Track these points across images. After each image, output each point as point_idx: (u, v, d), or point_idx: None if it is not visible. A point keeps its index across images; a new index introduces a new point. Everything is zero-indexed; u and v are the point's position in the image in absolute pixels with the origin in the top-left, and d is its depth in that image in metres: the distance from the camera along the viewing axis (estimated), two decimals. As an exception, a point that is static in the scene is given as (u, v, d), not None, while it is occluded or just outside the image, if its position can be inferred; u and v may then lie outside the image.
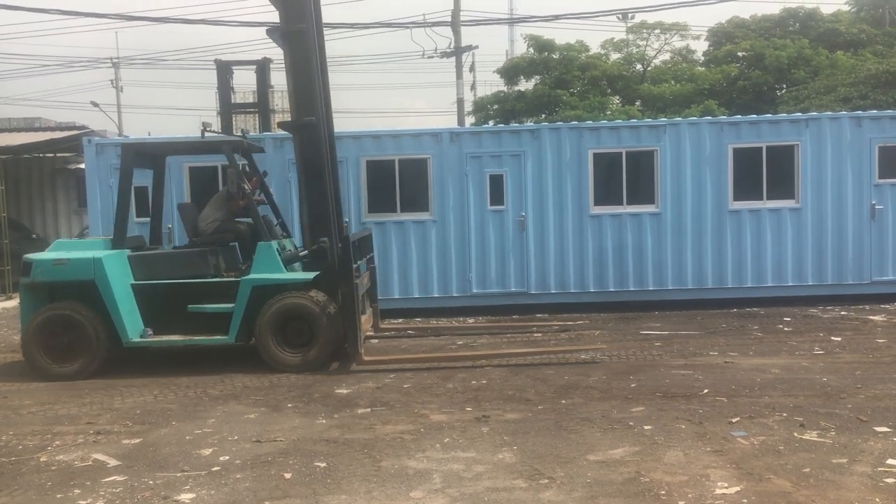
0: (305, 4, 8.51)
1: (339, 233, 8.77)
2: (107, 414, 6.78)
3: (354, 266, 8.42)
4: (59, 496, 4.88)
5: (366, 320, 9.20)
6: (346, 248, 8.19)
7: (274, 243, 8.47)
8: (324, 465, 5.25)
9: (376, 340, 9.65)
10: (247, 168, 9.19)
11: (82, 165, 13.35)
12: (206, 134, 8.90)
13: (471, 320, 11.30)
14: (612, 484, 4.74)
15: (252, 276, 8.32)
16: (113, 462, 5.48)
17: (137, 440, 5.97)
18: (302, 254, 8.77)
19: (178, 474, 5.17)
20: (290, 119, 8.74)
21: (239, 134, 9.35)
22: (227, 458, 5.47)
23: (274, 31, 8.73)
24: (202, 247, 8.78)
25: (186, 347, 9.14)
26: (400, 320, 11.01)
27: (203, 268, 8.58)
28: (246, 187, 8.60)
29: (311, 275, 8.41)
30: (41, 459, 5.59)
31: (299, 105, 8.54)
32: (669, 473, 4.89)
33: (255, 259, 8.41)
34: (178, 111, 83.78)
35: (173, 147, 9.83)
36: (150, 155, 9.48)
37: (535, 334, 9.99)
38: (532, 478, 4.88)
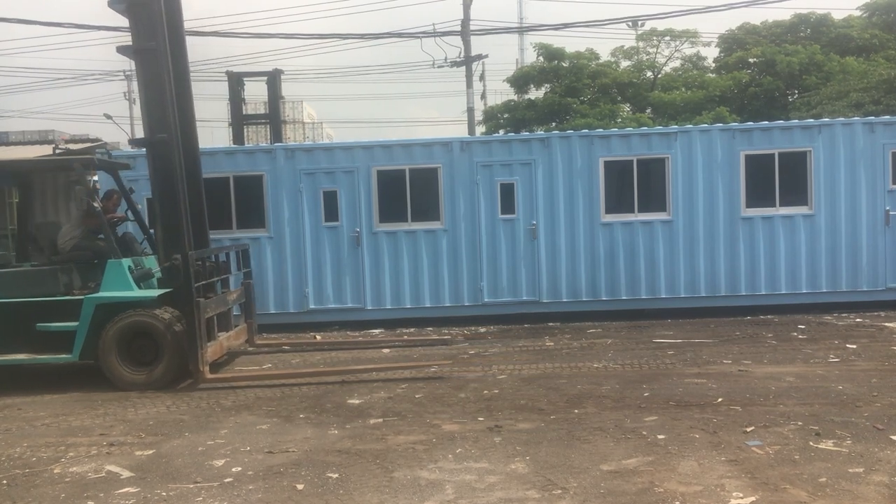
0: (156, 24, 8.46)
1: (198, 249, 8.66)
2: (120, 425, 6.81)
3: (216, 280, 8.50)
4: (72, 508, 4.90)
5: (235, 336, 9.24)
6: (185, 264, 8.10)
7: (125, 261, 8.41)
8: (336, 475, 5.25)
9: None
10: (97, 185, 9.07)
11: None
12: (57, 151, 8.91)
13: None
14: (625, 494, 4.71)
15: (96, 293, 8.28)
16: (126, 473, 5.50)
17: (150, 451, 5.99)
18: (155, 271, 8.72)
19: (191, 486, 5.18)
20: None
21: (104, 150, 9.38)
22: (240, 469, 5.48)
23: (126, 49, 8.73)
24: (57, 265, 8.73)
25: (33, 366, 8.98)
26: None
27: (53, 286, 8.53)
28: (96, 205, 8.47)
29: (156, 292, 8.36)
30: (55, 471, 5.62)
31: (151, 122, 8.50)
32: (684, 483, 4.85)
33: (104, 277, 8.35)
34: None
35: (26, 165, 9.85)
36: (8, 173, 9.56)
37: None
38: (545, 488, 4.86)
